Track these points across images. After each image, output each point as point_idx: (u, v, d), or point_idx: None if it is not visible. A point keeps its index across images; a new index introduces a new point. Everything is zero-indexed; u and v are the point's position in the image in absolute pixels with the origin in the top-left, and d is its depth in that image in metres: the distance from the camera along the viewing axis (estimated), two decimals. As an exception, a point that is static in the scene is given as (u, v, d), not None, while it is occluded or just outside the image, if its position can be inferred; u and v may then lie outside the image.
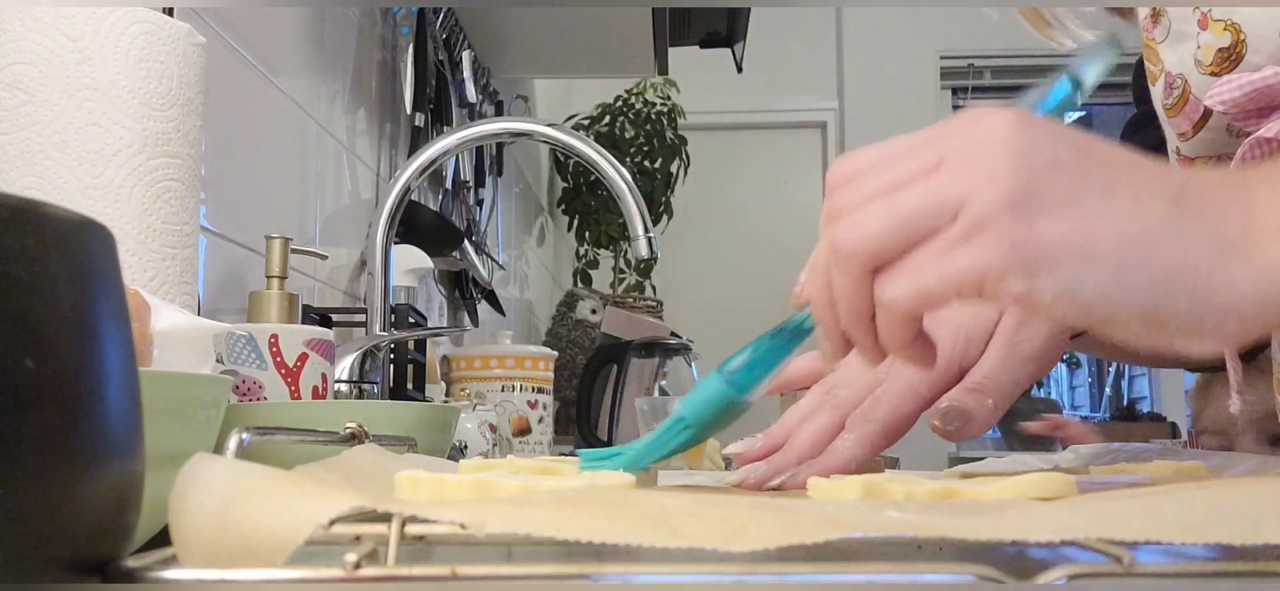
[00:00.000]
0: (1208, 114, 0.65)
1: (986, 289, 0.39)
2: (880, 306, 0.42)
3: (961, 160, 0.40)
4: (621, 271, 3.17)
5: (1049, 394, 4.02)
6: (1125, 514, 0.28)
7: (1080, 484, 0.44)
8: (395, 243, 1.31)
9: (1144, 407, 3.72)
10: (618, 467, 0.53)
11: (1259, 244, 0.40)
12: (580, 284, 3.08)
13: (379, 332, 1.25)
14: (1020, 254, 0.39)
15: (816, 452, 0.61)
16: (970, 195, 0.39)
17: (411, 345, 1.31)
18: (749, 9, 2.50)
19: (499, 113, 2.20)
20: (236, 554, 0.27)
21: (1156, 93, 0.71)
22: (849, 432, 0.62)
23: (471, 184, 1.96)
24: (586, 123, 3.17)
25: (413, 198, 1.36)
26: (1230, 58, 0.62)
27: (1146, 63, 0.70)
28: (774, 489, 0.58)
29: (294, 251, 0.99)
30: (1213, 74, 0.63)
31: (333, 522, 0.28)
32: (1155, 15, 0.67)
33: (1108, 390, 4.10)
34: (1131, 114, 0.97)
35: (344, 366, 1.11)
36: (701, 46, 2.56)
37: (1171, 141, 0.70)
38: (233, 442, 0.44)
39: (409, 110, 1.64)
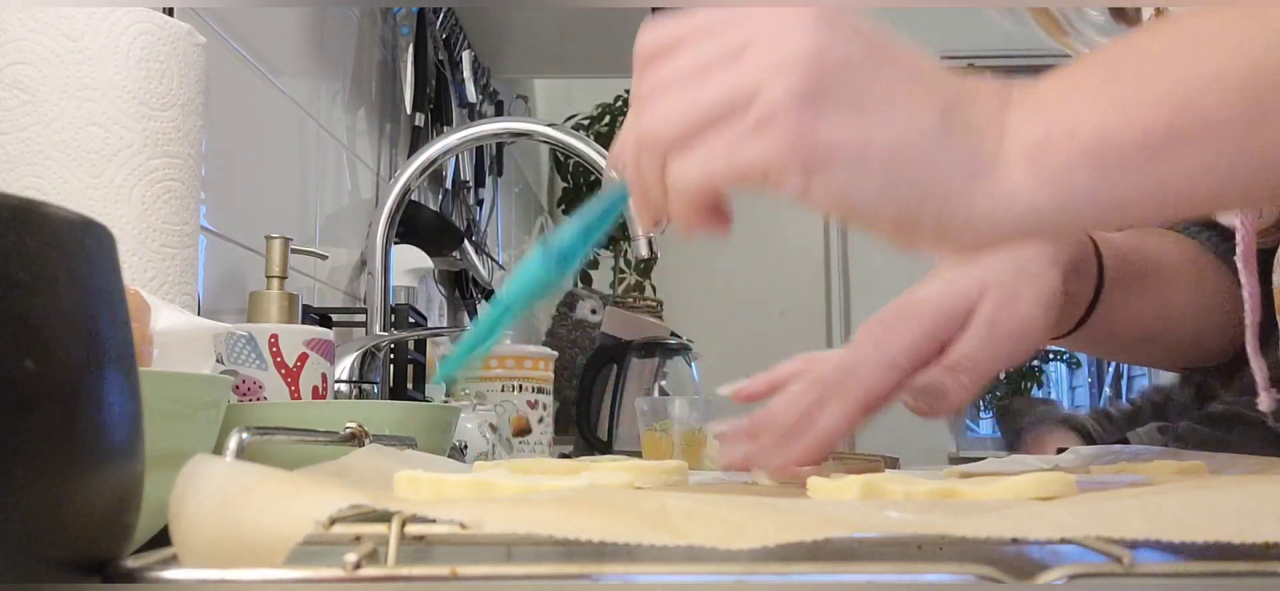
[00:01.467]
0: None
1: (769, 180, 0.42)
2: (671, 187, 0.44)
3: (761, 49, 0.42)
4: (621, 271, 3.17)
5: (1049, 394, 4.02)
6: (1125, 513, 0.28)
7: (1080, 483, 0.44)
8: (395, 243, 1.31)
9: (1144, 408, 3.71)
10: (452, 367, 0.59)
11: (1004, 167, 0.42)
12: (580, 284, 3.08)
13: (379, 332, 1.25)
14: (800, 152, 0.41)
15: (796, 421, 0.61)
16: (763, 88, 0.42)
17: (411, 345, 1.31)
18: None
19: (499, 113, 2.20)
20: (236, 553, 0.27)
21: None
22: (828, 405, 0.61)
23: (471, 184, 1.96)
24: (586, 123, 3.17)
25: (413, 198, 1.36)
26: None
27: None
28: (760, 477, 0.59)
29: (294, 251, 0.99)
30: None
31: (332, 521, 0.28)
32: (1159, 16, 0.67)
33: (1107, 389, 4.10)
34: None
35: (344, 366, 1.11)
36: (701, 46, 2.55)
37: None
38: (233, 442, 0.44)
39: (409, 110, 1.64)
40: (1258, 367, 0.67)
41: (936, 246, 0.44)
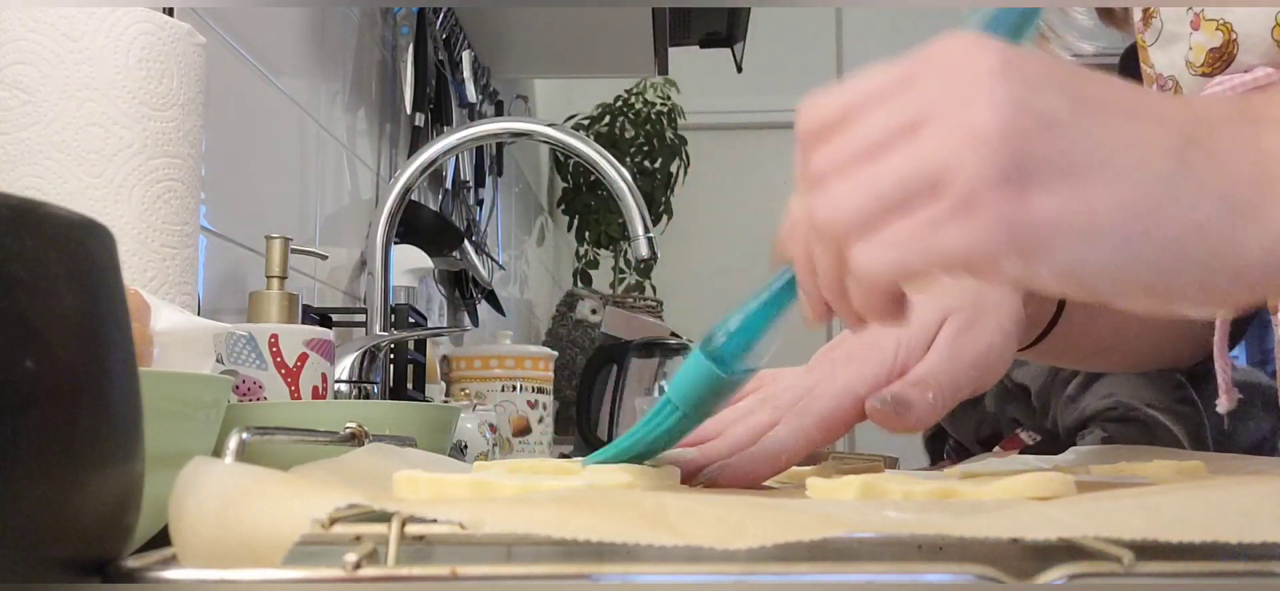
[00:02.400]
0: None
1: (976, 269, 0.37)
2: (858, 281, 0.39)
3: (944, 118, 0.36)
4: (621, 271, 3.17)
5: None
6: (1125, 513, 0.28)
7: (1080, 483, 0.44)
8: (395, 243, 1.31)
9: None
10: (616, 460, 0.51)
11: (1272, 202, 0.37)
12: (580, 284, 3.08)
13: (379, 332, 1.25)
14: (1015, 236, 0.35)
15: (750, 444, 0.59)
16: (956, 166, 0.36)
17: (411, 345, 1.31)
18: (749, 9, 2.50)
19: (499, 113, 2.20)
20: (236, 554, 0.27)
21: None
22: (783, 426, 0.59)
23: (471, 184, 1.96)
24: (586, 123, 3.17)
25: (413, 198, 1.36)
26: (1221, 58, 0.63)
27: (1141, 65, 0.71)
28: (713, 481, 0.56)
29: (294, 251, 0.99)
30: (1204, 75, 0.64)
31: (331, 520, 0.28)
32: (1146, 17, 0.67)
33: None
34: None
35: (344, 366, 1.11)
36: (701, 46, 2.56)
37: None
38: (233, 442, 0.44)
39: (409, 110, 1.64)
40: (1221, 369, 0.67)
41: (1198, 306, 0.39)
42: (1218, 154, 0.38)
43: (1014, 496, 0.39)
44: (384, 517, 0.29)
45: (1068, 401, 0.92)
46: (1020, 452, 1.02)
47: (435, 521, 0.28)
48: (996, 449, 1.05)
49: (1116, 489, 0.41)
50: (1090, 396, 0.89)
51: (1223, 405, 0.67)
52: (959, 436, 1.14)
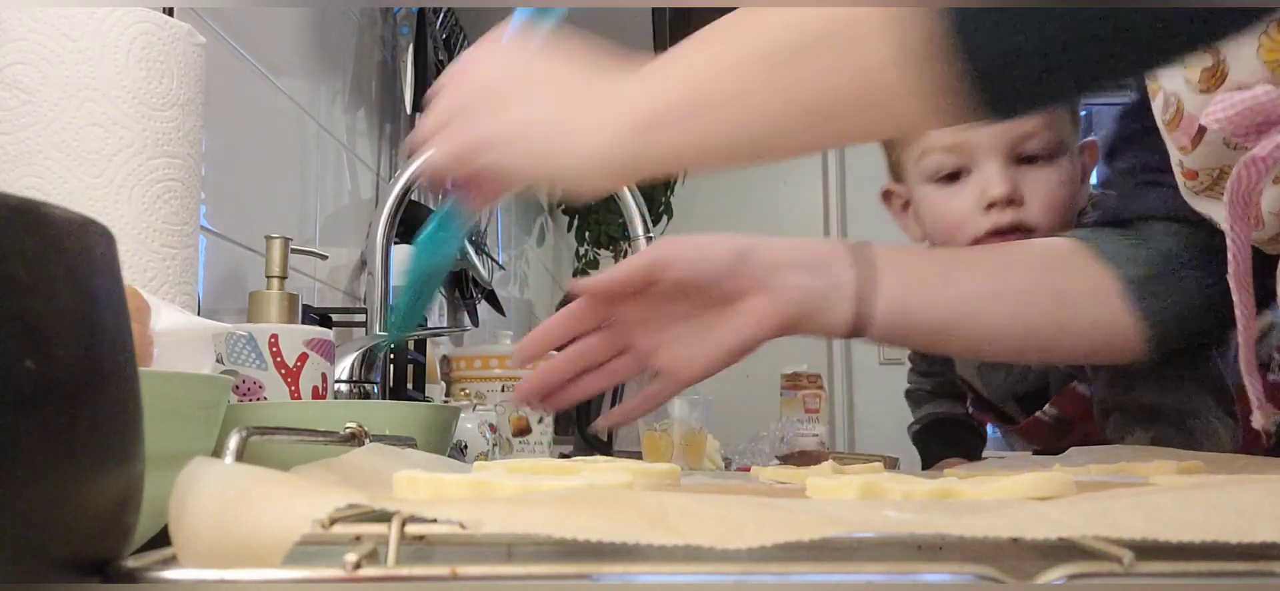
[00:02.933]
0: (1204, 129, 0.65)
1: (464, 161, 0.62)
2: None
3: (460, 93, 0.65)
4: (621, 271, 3.17)
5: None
6: (1125, 513, 0.28)
7: (1080, 483, 0.44)
8: (395, 243, 1.31)
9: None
10: (389, 340, 0.73)
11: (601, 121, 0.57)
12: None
13: (379, 333, 1.25)
14: (455, 143, 0.62)
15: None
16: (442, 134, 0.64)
17: (411, 345, 1.31)
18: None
19: (499, 113, 2.20)
20: (236, 554, 0.27)
21: (1156, 108, 0.71)
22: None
23: (471, 184, 1.95)
24: (586, 123, 3.17)
25: (413, 198, 1.36)
26: (1215, 75, 0.63)
27: (1147, 81, 0.72)
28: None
29: (294, 251, 0.99)
30: (1204, 92, 0.64)
31: (332, 521, 0.28)
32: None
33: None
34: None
35: (344, 366, 1.11)
36: (701, 46, 2.56)
37: (1174, 154, 0.71)
38: (233, 442, 0.44)
39: (409, 110, 1.64)
40: (1252, 386, 0.67)
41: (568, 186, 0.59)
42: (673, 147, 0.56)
43: (1014, 496, 0.39)
44: (384, 517, 0.29)
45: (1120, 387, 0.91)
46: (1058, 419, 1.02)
47: (435, 521, 0.28)
48: (1047, 406, 1.04)
49: (1117, 489, 0.41)
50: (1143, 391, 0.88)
51: (1258, 421, 0.67)
52: (990, 394, 1.11)
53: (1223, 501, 0.29)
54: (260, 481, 0.29)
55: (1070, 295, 0.78)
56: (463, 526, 0.28)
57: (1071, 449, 0.78)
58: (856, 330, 0.77)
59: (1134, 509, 0.28)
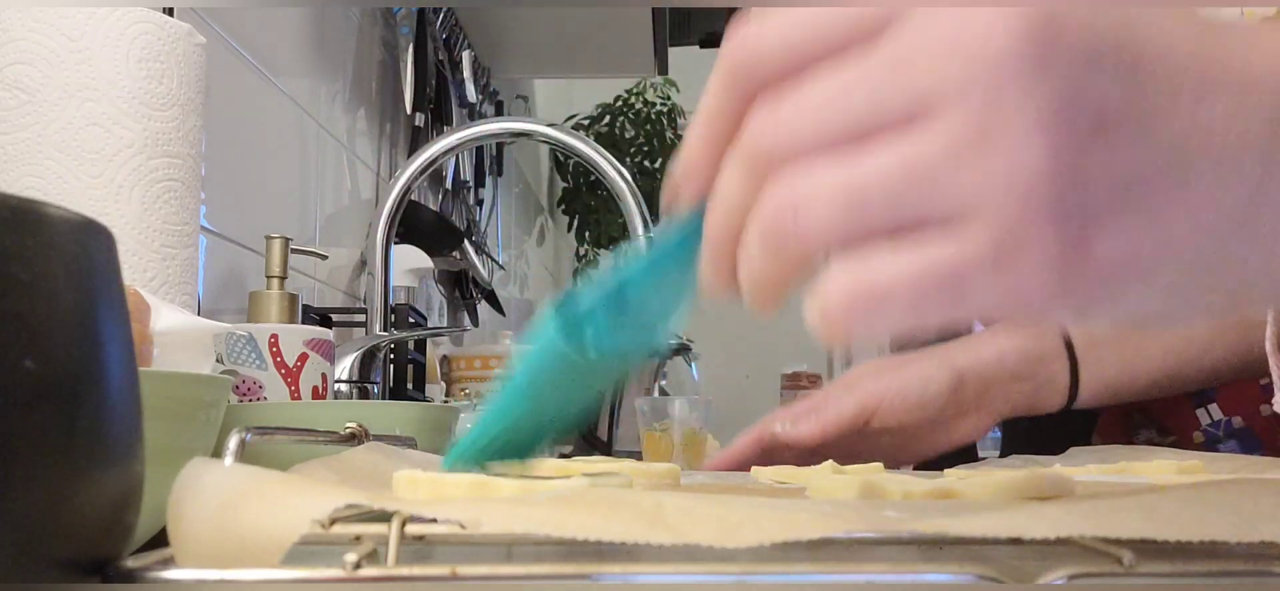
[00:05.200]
0: None
1: (1015, 320, 0.30)
2: (830, 311, 0.28)
3: (959, 123, 0.26)
4: (621, 271, 3.17)
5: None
6: (1125, 513, 0.28)
7: (1080, 483, 0.44)
8: (395, 243, 1.31)
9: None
10: (450, 466, 0.41)
11: None
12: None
13: (379, 332, 1.25)
14: (1070, 289, 0.27)
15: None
16: (985, 192, 0.26)
17: (411, 345, 1.31)
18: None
19: (499, 113, 2.20)
20: (235, 554, 0.27)
21: None
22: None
23: (471, 184, 1.96)
24: (586, 123, 3.17)
25: (413, 198, 1.37)
26: None
27: None
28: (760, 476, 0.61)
29: (294, 251, 0.99)
30: None
31: (332, 521, 0.28)
32: None
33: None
34: None
35: (344, 366, 1.11)
36: (701, 46, 2.56)
37: None
38: (233, 442, 0.44)
39: (409, 110, 1.64)
40: (1275, 365, 0.67)
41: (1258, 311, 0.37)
42: None
43: (1013, 494, 0.39)
44: (384, 517, 0.29)
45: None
46: None
47: (435, 521, 0.28)
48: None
49: (1117, 489, 0.41)
50: None
51: (1279, 405, 0.67)
52: None
53: (1224, 501, 0.29)
54: (259, 481, 0.29)
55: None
56: (462, 526, 0.28)
57: (1072, 449, 0.78)
58: (1066, 407, 0.79)
59: (1134, 509, 0.28)
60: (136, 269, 0.66)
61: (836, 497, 0.41)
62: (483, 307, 2.01)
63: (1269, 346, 0.67)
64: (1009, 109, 0.26)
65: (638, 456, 1.23)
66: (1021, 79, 0.26)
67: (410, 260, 1.46)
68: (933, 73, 0.26)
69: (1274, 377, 0.67)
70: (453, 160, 1.84)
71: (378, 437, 0.57)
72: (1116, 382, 0.78)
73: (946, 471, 0.63)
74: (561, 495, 0.31)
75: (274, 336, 0.87)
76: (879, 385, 0.75)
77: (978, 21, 0.26)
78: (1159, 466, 0.57)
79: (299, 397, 0.86)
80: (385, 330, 1.26)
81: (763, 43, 0.29)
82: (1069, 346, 0.78)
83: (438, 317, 1.81)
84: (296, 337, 0.88)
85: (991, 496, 0.39)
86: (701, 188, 0.31)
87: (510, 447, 0.41)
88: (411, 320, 1.35)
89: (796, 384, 1.86)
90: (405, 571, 0.26)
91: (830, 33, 0.28)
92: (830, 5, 0.28)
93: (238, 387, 0.84)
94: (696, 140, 0.31)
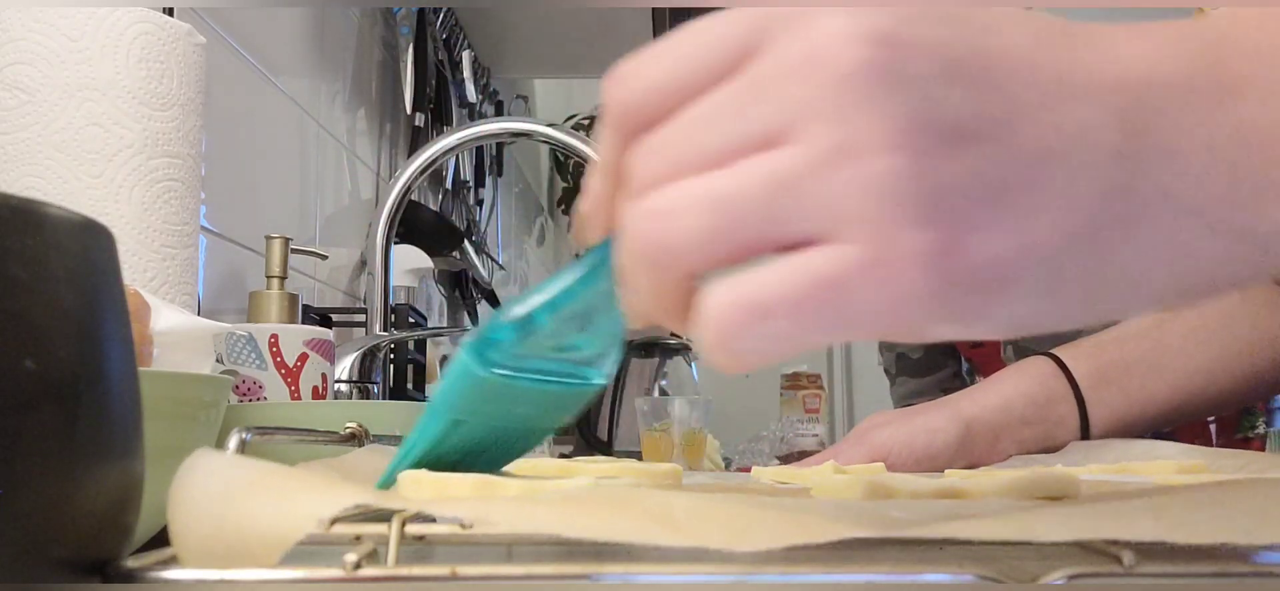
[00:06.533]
0: None
1: (890, 333, 0.29)
2: (711, 330, 0.28)
3: (817, 139, 0.27)
4: (621, 271, 3.17)
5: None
6: (1126, 514, 0.28)
7: (1083, 482, 0.44)
8: (395, 243, 1.31)
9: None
10: (395, 470, 0.40)
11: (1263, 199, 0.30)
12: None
13: (379, 332, 1.25)
14: (949, 294, 0.27)
15: None
16: (850, 204, 0.27)
17: (411, 345, 1.31)
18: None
19: (499, 113, 2.20)
20: (235, 548, 0.27)
21: None
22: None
23: (471, 184, 1.96)
24: (586, 123, 3.17)
25: (413, 198, 1.36)
26: None
27: None
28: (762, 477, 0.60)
29: (294, 251, 0.99)
30: None
31: (334, 521, 0.28)
32: None
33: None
34: None
35: (344, 366, 1.11)
36: (701, 46, 2.55)
37: None
38: (233, 442, 0.44)
39: (409, 110, 1.64)
40: None
41: (1192, 297, 0.32)
42: (1175, 151, 0.29)
43: (1020, 495, 0.39)
44: (385, 517, 0.28)
45: None
46: None
47: (435, 521, 0.28)
48: None
49: (1123, 489, 0.41)
50: None
51: None
52: None
53: (1226, 501, 0.29)
54: (262, 475, 0.29)
55: (1265, 331, 0.79)
56: (463, 525, 0.28)
57: (1071, 443, 0.78)
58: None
59: (1135, 509, 0.28)
60: (136, 269, 0.66)
61: (842, 497, 0.41)
62: (483, 308, 2.01)
63: None
64: (862, 124, 0.27)
65: (637, 456, 1.23)
66: (873, 95, 0.27)
67: (410, 260, 1.46)
68: (789, 93, 0.27)
69: None
70: (453, 160, 1.84)
71: (378, 438, 0.57)
72: (1126, 417, 0.79)
73: (947, 471, 0.63)
74: (568, 495, 0.31)
75: (274, 336, 0.87)
76: (886, 436, 0.75)
77: (831, 40, 0.27)
78: (1161, 466, 0.57)
79: (299, 398, 0.86)
80: (385, 330, 1.26)
81: (632, 87, 0.30)
82: (1075, 388, 0.79)
83: (438, 318, 1.81)
84: (296, 337, 0.88)
85: (998, 496, 0.39)
86: (603, 231, 0.33)
87: (433, 459, 0.41)
88: (411, 320, 1.35)
89: (796, 384, 1.86)
90: (405, 571, 0.26)
91: (695, 67, 0.29)
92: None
93: (238, 387, 0.84)
94: (593, 188, 0.33)
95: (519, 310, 0.36)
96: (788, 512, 0.27)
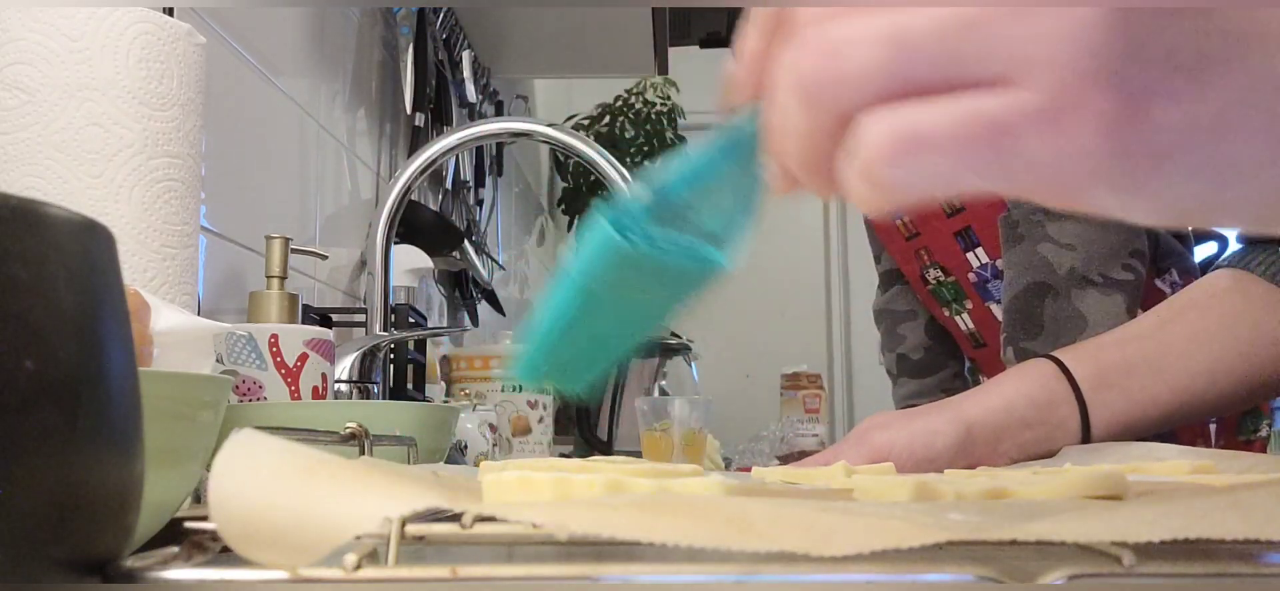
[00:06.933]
0: None
1: (1042, 190, 0.28)
2: (871, 177, 0.28)
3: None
4: (621, 271, 3.16)
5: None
6: (1129, 515, 0.28)
7: (1131, 482, 0.43)
8: (395, 243, 1.31)
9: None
10: (536, 353, 0.40)
11: None
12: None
13: (379, 332, 1.25)
14: (1122, 157, 0.26)
15: None
16: (1042, 48, 0.26)
17: (411, 345, 1.31)
18: (749, 9, 2.50)
19: (499, 113, 2.20)
20: (285, 534, 0.26)
21: None
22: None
23: (471, 184, 1.96)
24: (586, 123, 3.17)
25: (413, 198, 1.36)
26: None
27: None
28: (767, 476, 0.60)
29: (294, 251, 0.99)
30: None
31: (404, 522, 0.28)
32: None
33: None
34: None
35: (344, 366, 1.11)
36: (701, 46, 2.56)
37: None
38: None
39: (409, 110, 1.64)
40: None
41: None
42: None
43: (1066, 494, 0.39)
44: (456, 517, 0.28)
45: None
46: None
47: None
48: None
49: (1168, 489, 0.41)
50: None
51: None
52: None
53: (1228, 501, 0.29)
54: (319, 463, 0.29)
55: (1266, 333, 0.79)
56: (536, 525, 0.27)
57: (1064, 448, 0.78)
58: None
59: (1137, 510, 0.28)
60: (136, 269, 0.66)
61: (891, 499, 0.40)
62: (483, 307, 2.01)
63: None
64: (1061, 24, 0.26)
65: (638, 456, 1.23)
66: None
67: (410, 260, 1.46)
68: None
69: None
70: (453, 160, 1.84)
71: (378, 438, 0.57)
72: (1127, 419, 0.79)
73: (946, 471, 0.63)
74: (644, 501, 0.30)
75: (274, 336, 0.87)
76: (886, 437, 0.75)
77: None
78: (1173, 466, 0.57)
79: (299, 398, 0.86)
80: (385, 330, 1.26)
81: None
82: (1076, 389, 0.78)
83: (438, 317, 1.81)
84: (296, 337, 0.88)
85: (1046, 496, 0.39)
86: (753, 91, 0.32)
87: (574, 359, 0.41)
88: (411, 320, 1.35)
89: (797, 384, 1.86)
90: (405, 572, 0.26)
91: None
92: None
93: (238, 387, 0.84)
94: (748, 44, 0.32)
95: (656, 181, 0.36)
96: (861, 518, 0.27)
